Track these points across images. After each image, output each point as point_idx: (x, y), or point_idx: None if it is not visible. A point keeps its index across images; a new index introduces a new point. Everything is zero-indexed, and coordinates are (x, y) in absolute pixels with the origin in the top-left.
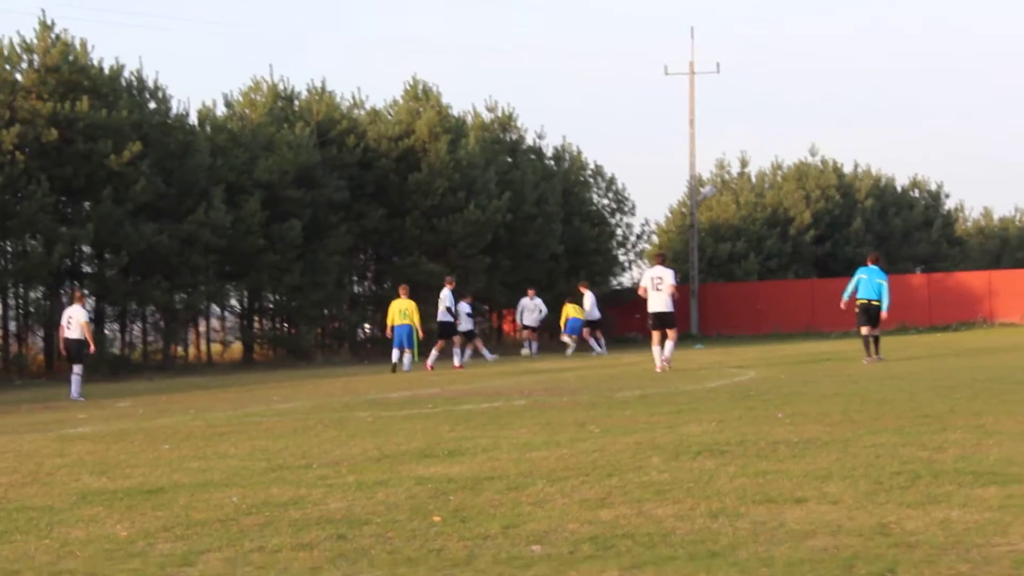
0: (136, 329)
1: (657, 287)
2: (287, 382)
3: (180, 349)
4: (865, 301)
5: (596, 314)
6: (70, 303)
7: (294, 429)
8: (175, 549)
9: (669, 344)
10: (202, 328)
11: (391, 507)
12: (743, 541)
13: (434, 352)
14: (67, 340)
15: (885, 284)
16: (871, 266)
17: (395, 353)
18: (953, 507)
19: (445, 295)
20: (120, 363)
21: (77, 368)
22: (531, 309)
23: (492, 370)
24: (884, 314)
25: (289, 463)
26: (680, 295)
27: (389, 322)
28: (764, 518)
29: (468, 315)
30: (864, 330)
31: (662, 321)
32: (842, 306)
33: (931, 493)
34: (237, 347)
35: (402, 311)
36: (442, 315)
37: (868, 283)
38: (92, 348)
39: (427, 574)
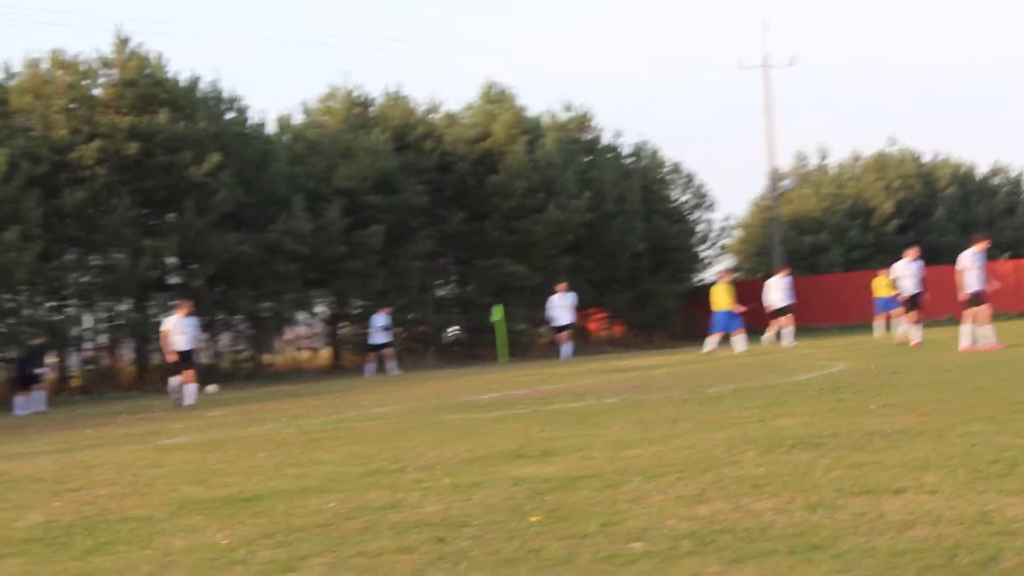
0: (225, 339)
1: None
2: (376, 387)
3: (269, 357)
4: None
5: (781, 301)
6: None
7: (387, 433)
8: (277, 556)
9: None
10: (289, 335)
11: (488, 508)
12: (844, 533)
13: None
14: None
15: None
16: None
17: (712, 340)
18: None
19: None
20: (210, 373)
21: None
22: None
23: (580, 368)
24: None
25: (384, 467)
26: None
27: (715, 307)
28: (863, 509)
29: (384, 328)
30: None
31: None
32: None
33: None
34: (325, 353)
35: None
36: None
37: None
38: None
39: (528, 574)
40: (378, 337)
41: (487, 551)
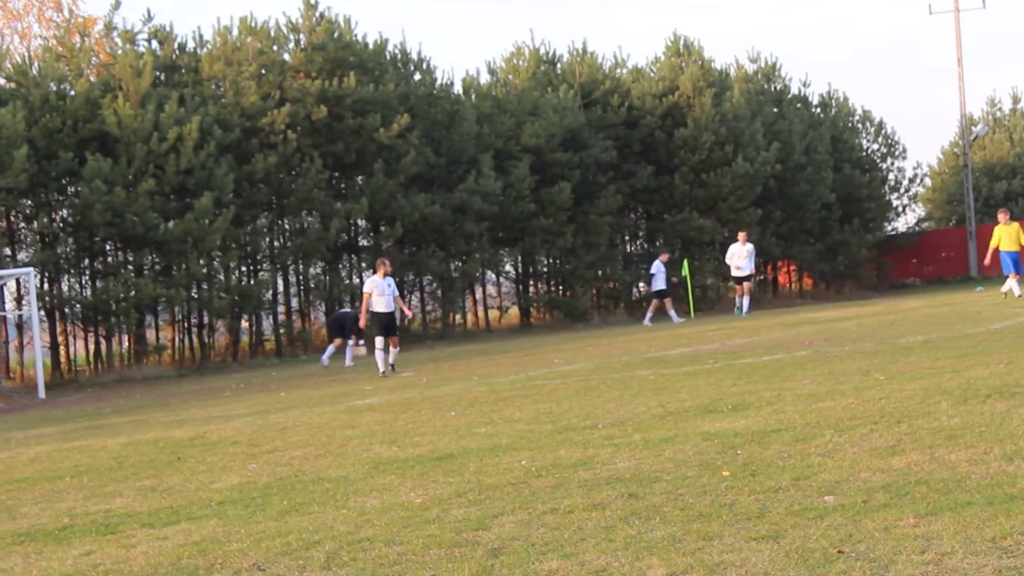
0: (414, 299)
1: None
2: (566, 344)
3: (458, 317)
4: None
5: None
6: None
7: (577, 390)
8: (469, 514)
9: None
10: (478, 295)
11: (679, 464)
12: None
13: None
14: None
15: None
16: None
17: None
18: None
19: None
20: (401, 334)
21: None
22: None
23: (770, 321)
24: None
25: (575, 424)
26: (959, 237)
27: (994, 246)
28: None
29: (661, 273)
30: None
31: None
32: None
33: None
34: (514, 312)
35: (1012, 237)
36: None
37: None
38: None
39: (720, 529)
40: (659, 283)
41: (679, 506)
